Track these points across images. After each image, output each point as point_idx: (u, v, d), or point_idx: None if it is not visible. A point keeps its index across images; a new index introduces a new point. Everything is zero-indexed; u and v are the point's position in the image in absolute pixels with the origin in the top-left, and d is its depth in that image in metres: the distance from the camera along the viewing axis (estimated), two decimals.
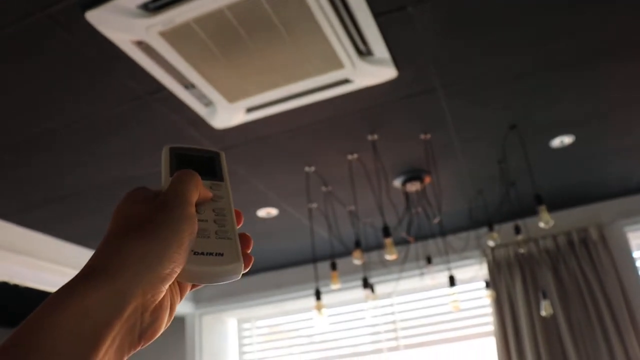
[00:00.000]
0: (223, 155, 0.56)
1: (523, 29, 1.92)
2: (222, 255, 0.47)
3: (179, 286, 0.49)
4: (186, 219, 0.45)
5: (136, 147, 2.45)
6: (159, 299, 0.43)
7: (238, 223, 0.52)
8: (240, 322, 4.76)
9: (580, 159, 3.01)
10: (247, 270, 0.50)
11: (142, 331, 0.42)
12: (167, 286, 0.43)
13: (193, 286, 0.50)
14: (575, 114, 2.53)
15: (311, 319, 4.35)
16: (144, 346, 0.43)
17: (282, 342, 4.49)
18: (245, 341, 4.64)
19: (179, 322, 4.73)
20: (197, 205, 0.49)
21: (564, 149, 2.86)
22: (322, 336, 4.30)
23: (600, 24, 1.94)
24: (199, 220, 0.48)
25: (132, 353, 0.42)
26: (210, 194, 0.51)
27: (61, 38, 1.74)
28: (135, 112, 2.19)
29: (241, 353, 4.61)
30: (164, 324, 0.45)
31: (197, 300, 4.66)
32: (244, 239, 0.51)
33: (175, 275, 0.44)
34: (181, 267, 0.44)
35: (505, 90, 2.29)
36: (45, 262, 3.28)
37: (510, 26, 1.91)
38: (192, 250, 0.46)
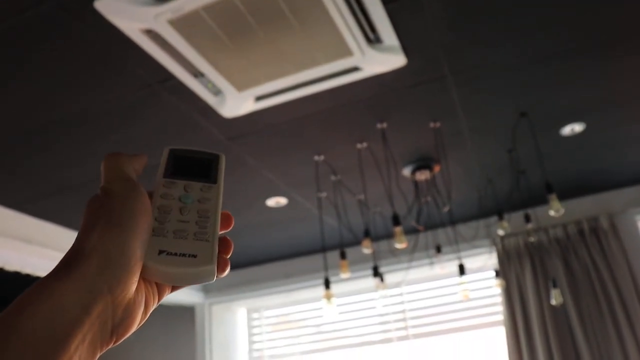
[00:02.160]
0: (222, 159, 0.56)
1: (533, 16, 1.90)
2: (195, 257, 0.47)
3: (157, 287, 0.48)
4: (126, 196, 0.46)
5: (145, 136, 2.46)
6: (130, 295, 0.43)
7: (227, 226, 0.52)
8: (250, 311, 4.79)
9: (591, 147, 2.98)
10: (223, 274, 0.49)
11: (114, 327, 0.42)
12: (134, 280, 0.43)
13: (173, 288, 0.50)
14: (586, 101, 2.50)
15: (320, 308, 4.36)
16: (117, 343, 0.43)
17: (292, 332, 4.51)
18: (255, 330, 4.66)
19: (189, 312, 4.77)
20: (165, 200, 0.50)
21: (575, 137, 2.83)
22: (331, 325, 4.32)
23: (611, 11, 1.92)
24: (180, 221, 0.48)
25: (105, 349, 0.42)
26: (144, 158, 0.52)
27: (70, 27, 1.75)
28: (144, 101, 2.20)
29: (251, 342, 4.64)
30: (137, 322, 0.45)
31: (206, 290, 4.68)
32: (224, 243, 0.51)
33: (139, 266, 0.44)
34: (142, 251, 0.44)
35: (515, 77, 2.27)
36: (57, 252, 3.31)
37: (520, 13, 1.88)
38: (165, 250, 0.46)
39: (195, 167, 0.54)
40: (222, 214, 0.52)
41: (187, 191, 0.52)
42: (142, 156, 0.52)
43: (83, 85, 2.05)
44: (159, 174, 0.53)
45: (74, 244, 0.43)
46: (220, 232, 0.51)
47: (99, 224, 0.43)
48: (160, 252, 0.46)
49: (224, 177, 0.55)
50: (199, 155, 0.56)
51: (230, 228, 0.52)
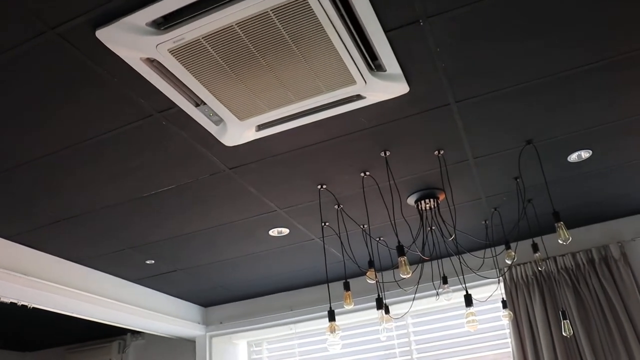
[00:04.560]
0: None
1: (537, 42, 1.89)
2: None
3: None
4: None
5: (146, 165, 2.43)
6: None
7: None
8: (251, 344, 4.69)
9: (599, 174, 2.94)
10: None
11: None
12: None
13: None
14: (593, 128, 2.47)
15: (324, 340, 4.26)
16: None
17: None
18: None
19: (190, 344, 4.67)
20: None
21: (582, 164, 2.79)
22: (336, 358, 4.21)
23: (618, 37, 1.90)
24: None
25: None
26: None
27: (71, 56, 1.73)
28: (145, 130, 2.17)
29: None
30: None
31: (207, 322, 4.59)
32: None
33: None
34: None
35: (520, 104, 2.24)
36: (54, 284, 3.25)
37: (524, 40, 1.87)
38: None
39: None
40: None
41: None
42: None
43: (83, 114, 2.03)
44: None
45: None
46: None
47: None
48: None
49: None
50: None
51: None
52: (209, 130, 2.20)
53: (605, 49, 1.96)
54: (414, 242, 2.64)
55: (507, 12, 1.74)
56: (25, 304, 3.28)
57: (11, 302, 3.21)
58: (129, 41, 1.68)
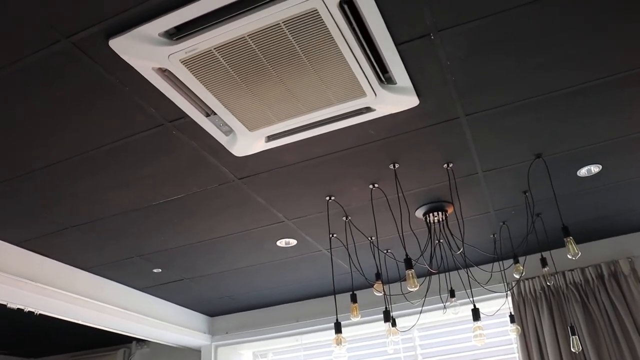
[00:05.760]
0: None
1: (546, 57, 1.88)
2: None
3: None
4: None
5: (156, 174, 2.44)
6: None
7: None
8: (256, 355, 4.67)
9: (609, 189, 2.92)
10: None
11: None
12: None
13: None
14: (603, 142, 2.46)
15: (330, 352, 4.24)
16: None
17: None
18: None
19: (195, 354, 4.66)
20: None
21: (592, 178, 2.78)
22: None
23: (629, 51, 1.89)
24: None
25: None
26: None
27: (85, 65, 1.75)
28: (155, 139, 2.19)
29: None
30: None
31: (213, 332, 4.58)
32: None
33: None
34: None
35: (530, 118, 2.24)
36: (61, 291, 3.26)
37: (534, 54, 1.87)
38: None
39: None
40: None
41: None
42: None
43: (95, 123, 2.05)
44: None
45: None
46: None
47: None
48: None
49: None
50: None
51: None
52: (219, 140, 2.21)
53: (614, 65, 1.96)
54: (421, 254, 2.64)
55: (517, 27, 1.74)
56: (32, 310, 3.28)
57: (18, 308, 3.22)
58: (141, 51, 1.69)
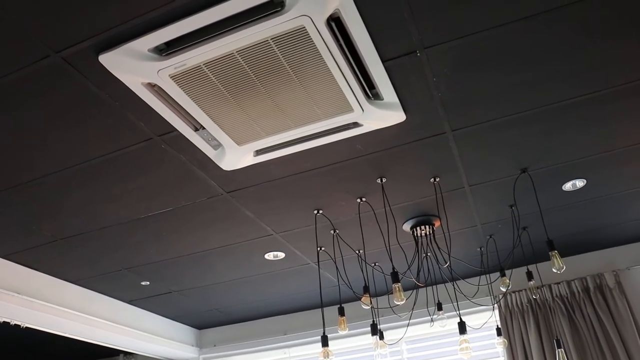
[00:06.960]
0: None
1: (532, 73, 1.93)
2: None
3: None
4: None
5: (145, 187, 2.45)
6: None
7: None
8: None
9: (594, 203, 2.96)
10: None
11: None
12: None
13: None
14: (587, 157, 2.50)
15: None
16: None
17: None
18: None
19: None
20: None
21: (577, 193, 2.82)
22: None
23: (612, 68, 1.94)
24: None
25: None
26: None
27: (75, 80, 1.76)
28: (145, 153, 2.19)
29: None
30: None
31: (201, 345, 4.56)
32: None
33: None
34: None
35: (515, 133, 2.27)
36: (47, 303, 3.23)
37: (519, 71, 1.91)
38: None
39: None
40: None
41: None
42: None
43: (85, 137, 2.06)
44: None
45: None
46: None
47: None
48: None
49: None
50: None
51: None
52: (208, 154, 2.22)
53: (598, 82, 2.00)
54: (409, 268, 2.65)
55: (502, 44, 1.78)
56: (19, 323, 3.25)
57: (4, 321, 3.19)
58: (131, 66, 1.71)
